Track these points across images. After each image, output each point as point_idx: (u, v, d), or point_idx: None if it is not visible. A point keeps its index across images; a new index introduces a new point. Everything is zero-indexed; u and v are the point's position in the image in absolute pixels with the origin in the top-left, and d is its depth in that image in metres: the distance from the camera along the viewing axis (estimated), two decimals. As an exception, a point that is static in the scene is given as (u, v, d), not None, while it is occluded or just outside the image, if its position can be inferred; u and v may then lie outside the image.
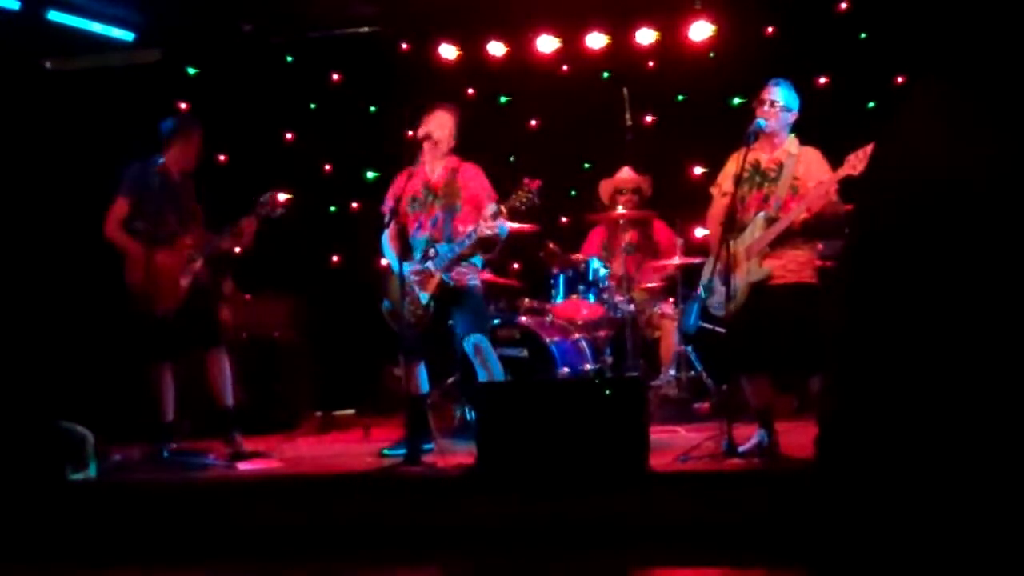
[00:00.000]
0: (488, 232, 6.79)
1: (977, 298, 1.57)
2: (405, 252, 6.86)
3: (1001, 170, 1.54)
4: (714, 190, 6.54)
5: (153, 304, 7.00)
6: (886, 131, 1.75)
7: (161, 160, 7.19)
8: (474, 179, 7.13)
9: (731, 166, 6.38)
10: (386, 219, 6.98)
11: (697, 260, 7.89)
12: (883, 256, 1.67)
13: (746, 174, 6.28)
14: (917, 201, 1.60)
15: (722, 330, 6.70)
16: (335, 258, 10.47)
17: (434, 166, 7.18)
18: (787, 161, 6.27)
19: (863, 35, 8.96)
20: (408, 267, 6.83)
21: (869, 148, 5.61)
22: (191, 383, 7.80)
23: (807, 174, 6.20)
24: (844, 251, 5.97)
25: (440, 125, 7.11)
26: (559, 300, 8.49)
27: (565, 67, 9.87)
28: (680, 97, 9.71)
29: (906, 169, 1.66)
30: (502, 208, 6.73)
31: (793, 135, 6.36)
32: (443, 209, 7.06)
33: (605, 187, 8.91)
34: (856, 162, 5.81)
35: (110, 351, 7.75)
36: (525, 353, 7.82)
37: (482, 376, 6.95)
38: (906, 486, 1.62)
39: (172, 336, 7.04)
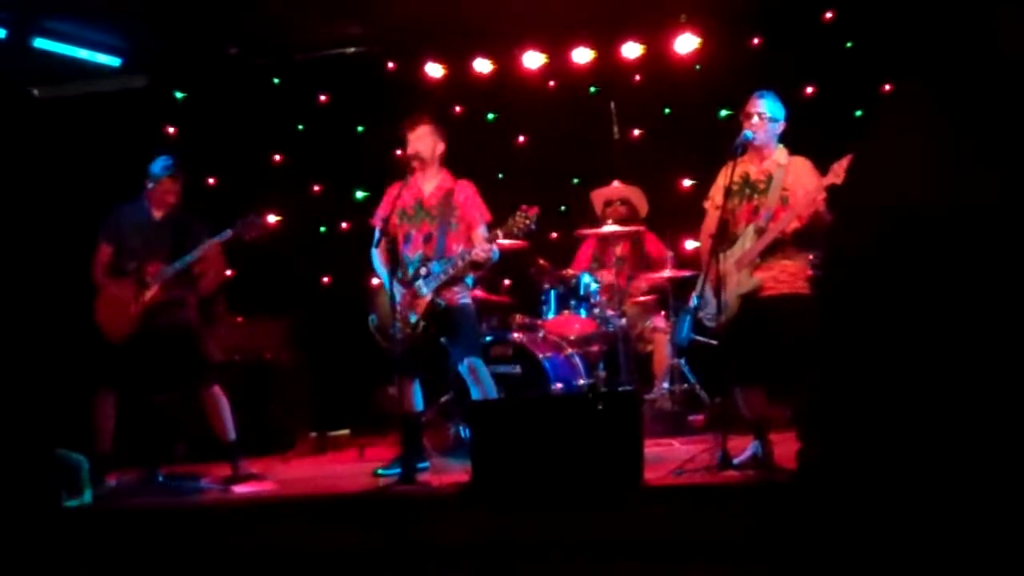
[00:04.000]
0: (482, 256, 6.81)
1: (950, 309, 1.57)
2: (395, 268, 6.86)
3: (977, 182, 1.55)
4: (707, 204, 6.55)
5: (109, 332, 7.09)
6: (860, 142, 1.76)
7: (143, 197, 7.27)
8: (469, 199, 7.12)
9: (722, 179, 6.39)
10: (376, 234, 6.99)
11: (688, 273, 7.91)
12: (855, 269, 1.68)
13: (735, 186, 6.29)
14: (890, 213, 1.61)
15: (715, 342, 6.70)
16: (326, 278, 10.46)
17: (426, 182, 7.17)
18: (776, 172, 6.28)
19: (849, 44, 8.99)
20: (398, 287, 6.84)
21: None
22: (186, 407, 7.80)
23: (796, 184, 6.20)
24: (819, 265, 5.98)
25: (421, 140, 7.10)
26: (551, 316, 8.49)
27: (552, 83, 9.88)
28: (667, 110, 9.72)
29: (879, 181, 1.66)
30: (498, 233, 6.75)
31: (782, 146, 6.37)
32: (437, 227, 7.04)
33: (596, 198, 8.92)
34: (840, 170, 5.81)
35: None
36: (518, 369, 7.80)
37: (476, 396, 6.95)
38: (888, 495, 1.63)
39: (139, 368, 7.08)
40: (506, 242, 7.21)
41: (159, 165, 7.31)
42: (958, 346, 1.57)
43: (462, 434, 7.69)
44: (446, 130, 7.27)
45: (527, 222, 6.68)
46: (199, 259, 7.09)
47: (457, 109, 9.94)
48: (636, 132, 9.75)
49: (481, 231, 6.88)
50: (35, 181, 8.88)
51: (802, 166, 6.27)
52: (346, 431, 9.50)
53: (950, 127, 1.59)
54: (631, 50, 9.43)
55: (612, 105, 9.21)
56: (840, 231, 1.77)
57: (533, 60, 9.64)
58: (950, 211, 1.54)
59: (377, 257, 7.11)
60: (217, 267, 7.28)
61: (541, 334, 8.21)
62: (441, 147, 7.16)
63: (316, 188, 10.47)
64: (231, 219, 7.18)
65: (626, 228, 8.56)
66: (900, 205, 1.60)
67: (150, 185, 7.25)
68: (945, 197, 1.56)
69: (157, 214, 7.26)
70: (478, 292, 8.06)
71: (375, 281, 7.46)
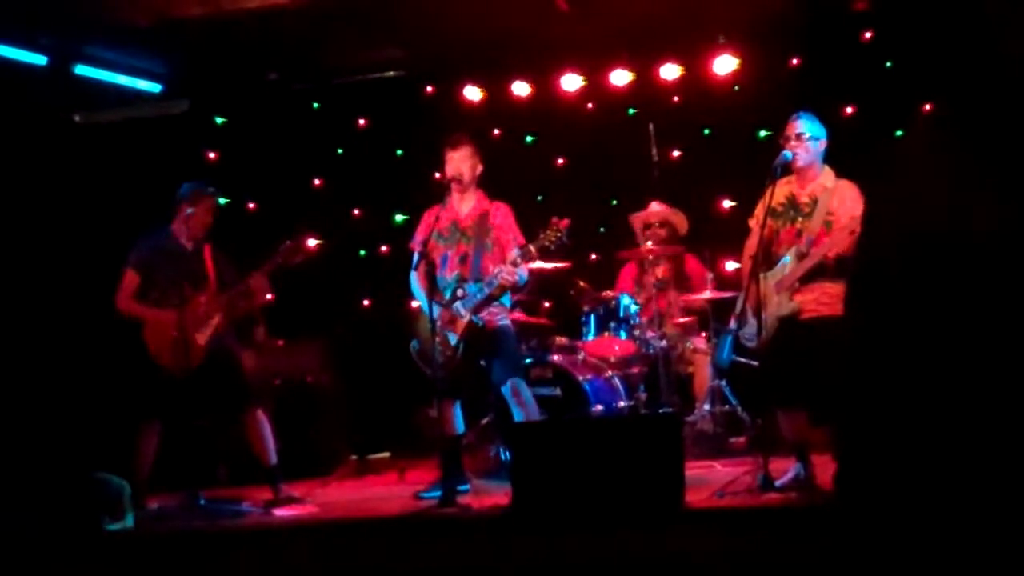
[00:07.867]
0: (508, 279, 6.78)
1: (972, 329, 1.56)
2: (433, 291, 6.86)
3: (997, 205, 1.53)
4: (752, 222, 6.50)
5: (172, 364, 7.03)
6: (880, 168, 1.74)
7: (170, 228, 7.29)
8: (504, 221, 7.11)
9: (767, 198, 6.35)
10: (414, 257, 7.00)
11: (729, 294, 7.86)
12: (879, 295, 1.66)
13: (781, 208, 6.27)
14: (909, 238, 1.59)
15: (756, 363, 6.66)
16: (366, 301, 10.48)
17: (463, 203, 7.18)
18: (822, 196, 6.22)
19: (888, 63, 8.94)
20: (436, 309, 6.83)
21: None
22: (226, 431, 7.83)
23: (841, 209, 6.13)
24: (846, 291, 5.93)
25: (463, 161, 7.11)
26: (591, 338, 8.47)
27: (590, 105, 9.88)
28: (706, 131, 9.69)
29: (901, 208, 1.65)
30: (531, 249, 6.73)
31: (828, 168, 6.32)
32: (473, 248, 7.04)
33: (636, 220, 8.90)
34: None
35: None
36: (558, 392, 7.78)
37: (519, 417, 6.92)
38: (922, 514, 1.62)
39: (189, 396, 7.02)
40: (548, 266, 7.19)
41: (194, 186, 7.34)
42: (984, 367, 1.55)
43: (502, 456, 7.67)
44: (484, 151, 7.29)
45: (559, 235, 6.65)
46: (246, 292, 7.13)
47: (496, 132, 9.94)
48: (675, 153, 9.72)
49: (513, 253, 6.86)
50: (78, 207, 8.98)
51: (848, 191, 6.19)
52: (386, 454, 9.51)
53: (972, 151, 1.58)
54: (670, 71, 9.42)
55: (651, 126, 9.18)
56: (863, 255, 1.76)
57: (571, 82, 9.63)
58: (970, 234, 1.53)
59: (416, 281, 7.11)
60: (262, 298, 7.30)
61: (581, 356, 8.19)
62: (480, 168, 7.17)
63: (356, 212, 10.51)
64: (272, 244, 7.20)
65: (666, 250, 8.54)
66: (919, 231, 1.58)
67: (189, 210, 7.22)
68: (965, 220, 1.54)
69: (188, 245, 7.28)
70: (518, 315, 8.04)
71: (414, 304, 7.45)
